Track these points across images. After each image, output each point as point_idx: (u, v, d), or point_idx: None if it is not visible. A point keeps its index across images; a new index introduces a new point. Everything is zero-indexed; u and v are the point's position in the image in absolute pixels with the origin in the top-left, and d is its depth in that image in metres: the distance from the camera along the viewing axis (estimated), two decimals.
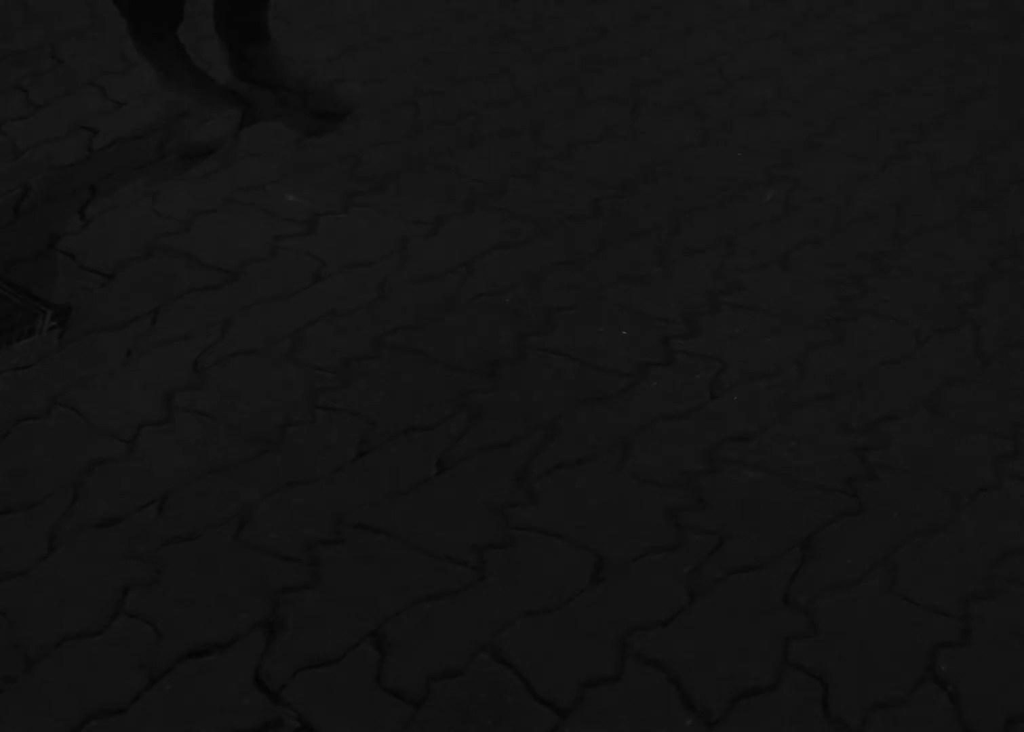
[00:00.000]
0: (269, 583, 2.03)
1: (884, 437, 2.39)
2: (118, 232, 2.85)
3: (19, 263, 2.75)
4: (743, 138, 3.34)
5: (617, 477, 2.26)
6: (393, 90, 3.49)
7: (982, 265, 2.88)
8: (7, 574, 2.03)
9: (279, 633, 1.95)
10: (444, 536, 2.13)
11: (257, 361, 2.49)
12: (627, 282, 2.76)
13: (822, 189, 3.14)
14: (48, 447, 2.27)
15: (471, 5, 4.00)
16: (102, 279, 2.70)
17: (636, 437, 2.35)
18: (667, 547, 2.13)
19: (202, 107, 3.11)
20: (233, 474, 2.23)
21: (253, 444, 2.29)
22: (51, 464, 2.24)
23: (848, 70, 3.71)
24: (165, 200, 2.97)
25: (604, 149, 3.26)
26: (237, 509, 2.16)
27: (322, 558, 2.08)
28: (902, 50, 3.85)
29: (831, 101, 3.54)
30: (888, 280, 2.82)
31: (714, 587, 2.06)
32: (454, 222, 2.94)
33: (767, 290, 2.76)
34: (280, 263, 2.78)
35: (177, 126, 3.15)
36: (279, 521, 2.14)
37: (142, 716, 1.82)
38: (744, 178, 3.16)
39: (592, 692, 1.88)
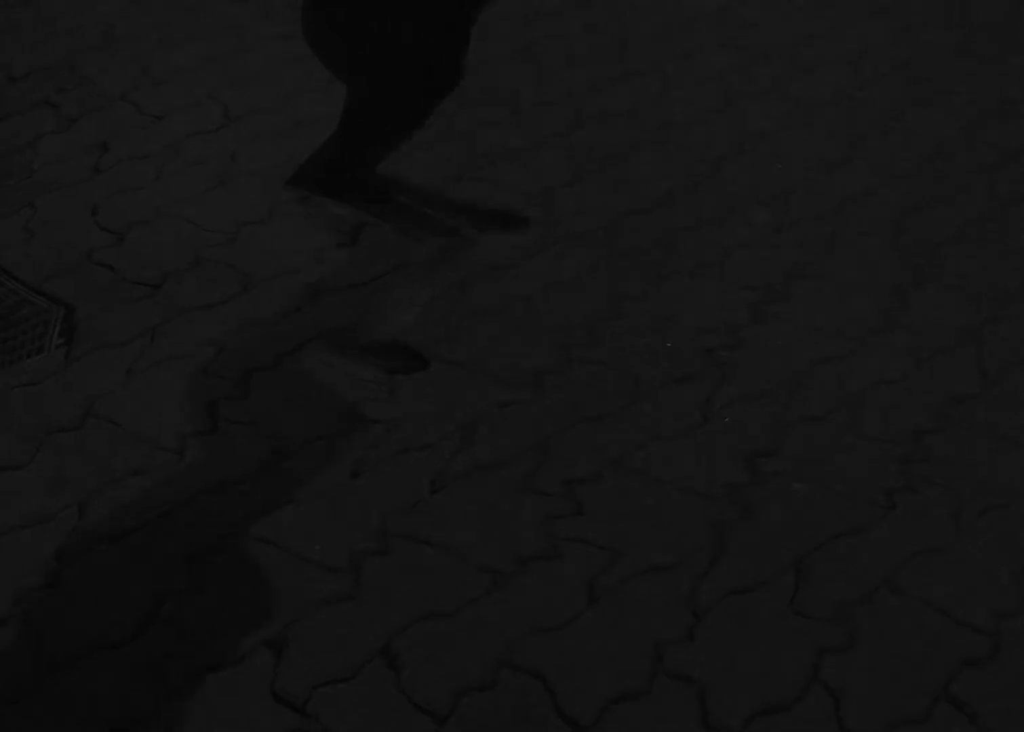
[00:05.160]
0: (300, 594, 2.05)
1: (918, 448, 2.40)
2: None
3: (55, 277, 2.78)
4: (740, 159, 3.36)
5: (658, 487, 2.29)
6: None
7: (1004, 279, 2.90)
8: (41, 585, 2.06)
9: (300, 647, 1.97)
10: (474, 546, 2.15)
11: (290, 370, 2.52)
12: (656, 298, 2.79)
13: (828, 206, 3.16)
14: (76, 460, 2.30)
15: (480, 22, 4.03)
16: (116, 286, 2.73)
17: (659, 448, 2.38)
18: (703, 556, 2.15)
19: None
20: (257, 485, 2.26)
21: (269, 456, 2.32)
22: (79, 475, 2.27)
23: (857, 87, 3.73)
24: (207, 213, 3.01)
25: (608, 172, 3.29)
26: (256, 521, 2.19)
27: (357, 569, 2.10)
28: (908, 67, 3.87)
29: (840, 118, 3.56)
30: (923, 291, 2.84)
31: (733, 601, 2.08)
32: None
33: (786, 304, 2.79)
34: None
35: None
36: (306, 533, 2.17)
37: (166, 730, 1.85)
38: (739, 199, 3.19)
39: (617, 708, 1.90)
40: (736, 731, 1.88)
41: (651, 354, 2.63)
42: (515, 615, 2.04)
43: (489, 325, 2.69)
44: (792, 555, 2.17)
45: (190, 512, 2.21)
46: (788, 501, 2.28)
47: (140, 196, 3.08)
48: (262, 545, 2.14)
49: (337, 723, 1.86)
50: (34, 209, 3.01)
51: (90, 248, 2.88)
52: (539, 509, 2.24)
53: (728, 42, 3.98)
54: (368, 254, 2.90)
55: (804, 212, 3.14)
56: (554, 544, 2.17)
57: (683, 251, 2.97)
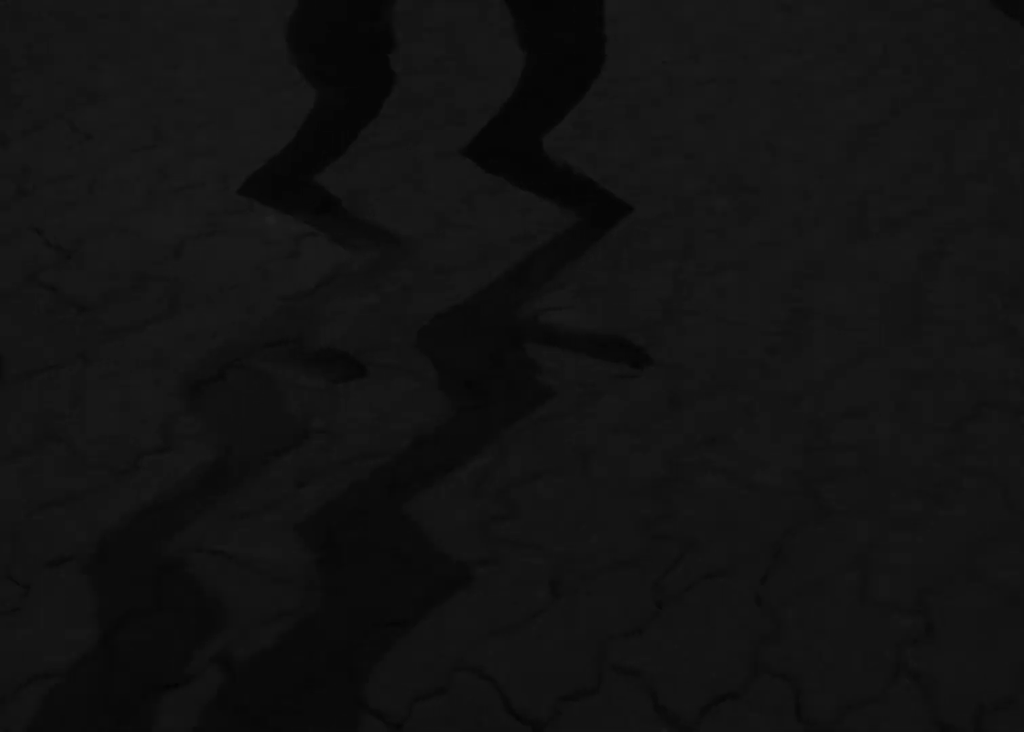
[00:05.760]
0: (253, 606, 2.05)
1: (844, 438, 2.43)
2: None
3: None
4: (691, 147, 3.39)
5: (586, 487, 2.30)
6: None
7: (937, 262, 2.94)
8: None
9: (254, 659, 1.97)
10: (425, 552, 2.16)
11: (240, 384, 2.52)
12: (585, 294, 2.81)
13: (775, 194, 3.19)
14: (29, 482, 2.29)
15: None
16: None
17: (599, 447, 2.39)
18: (637, 555, 2.17)
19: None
20: (208, 499, 2.26)
21: (237, 467, 2.32)
22: (34, 498, 2.26)
23: (797, 71, 3.77)
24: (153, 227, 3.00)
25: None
26: (208, 535, 2.19)
27: (309, 578, 2.10)
28: (848, 50, 3.91)
29: (782, 103, 3.59)
30: (840, 282, 2.87)
31: (683, 594, 2.10)
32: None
33: (723, 297, 2.81)
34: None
35: None
36: (257, 544, 2.17)
37: None
38: (695, 186, 3.21)
39: (570, 705, 1.92)
40: (692, 720, 1.90)
41: (588, 353, 2.64)
42: (468, 619, 2.05)
43: (430, 330, 2.70)
44: (730, 548, 2.19)
45: (146, 530, 2.20)
46: (719, 496, 2.30)
47: (73, 215, 3.06)
48: (214, 559, 2.14)
49: None
50: None
51: (25, 269, 2.86)
52: (487, 513, 2.25)
53: (670, 33, 4.00)
54: (307, 265, 2.90)
55: (763, 197, 3.17)
56: (496, 548, 2.18)
57: (635, 243, 2.98)
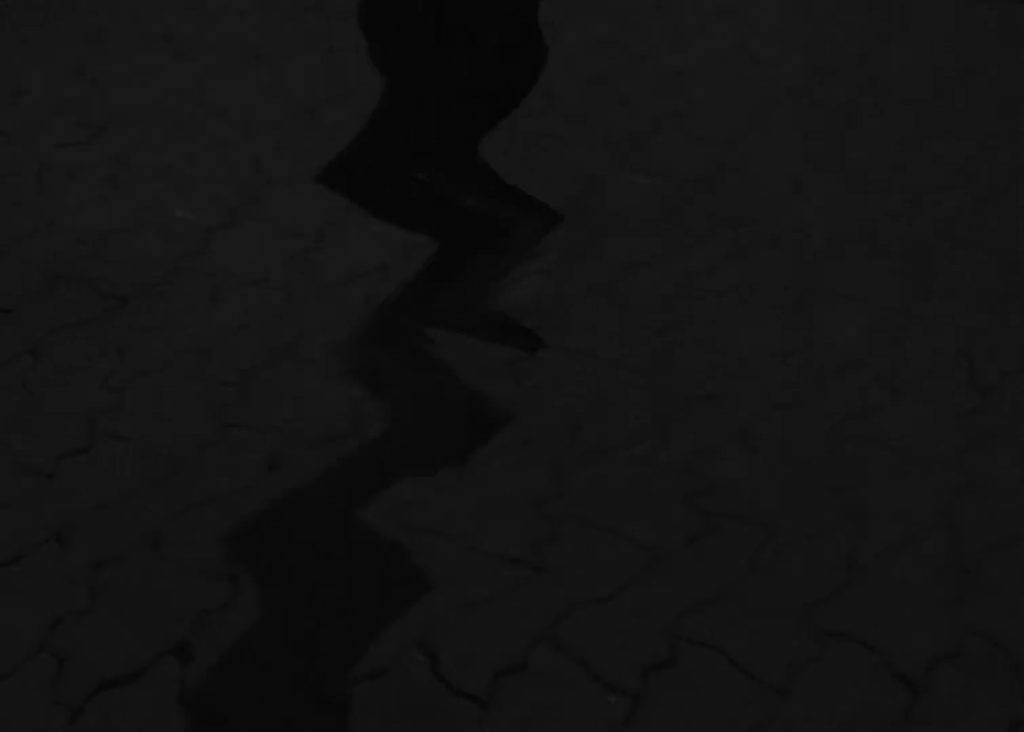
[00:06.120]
0: (187, 604, 2.05)
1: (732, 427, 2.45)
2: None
3: None
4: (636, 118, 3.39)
5: (485, 478, 2.31)
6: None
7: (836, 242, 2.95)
8: None
9: (202, 653, 1.96)
10: (351, 546, 2.16)
11: (165, 381, 2.50)
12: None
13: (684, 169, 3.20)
14: None
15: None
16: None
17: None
18: (540, 539, 2.18)
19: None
20: (148, 497, 2.24)
21: (169, 465, 2.31)
22: None
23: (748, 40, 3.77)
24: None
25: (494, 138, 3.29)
26: (152, 532, 2.18)
27: (239, 575, 2.10)
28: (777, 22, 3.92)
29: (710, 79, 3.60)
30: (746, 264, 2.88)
31: (592, 575, 2.12)
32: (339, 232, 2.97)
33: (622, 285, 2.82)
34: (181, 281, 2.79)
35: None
36: (195, 542, 2.16)
37: None
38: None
39: (506, 679, 1.92)
40: (634, 688, 1.91)
41: (489, 338, 2.64)
42: (415, 603, 2.05)
43: (356, 319, 2.69)
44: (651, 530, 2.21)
45: (89, 527, 2.19)
46: (629, 477, 2.32)
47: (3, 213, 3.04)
48: (158, 554, 2.13)
49: (246, 722, 1.86)
50: None
51: None
52: (394, 499, 2.25)
53: (610, 10, 4.00)
54: (221, 260, 2.87)
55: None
56: (411, 534, 2.18)
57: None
